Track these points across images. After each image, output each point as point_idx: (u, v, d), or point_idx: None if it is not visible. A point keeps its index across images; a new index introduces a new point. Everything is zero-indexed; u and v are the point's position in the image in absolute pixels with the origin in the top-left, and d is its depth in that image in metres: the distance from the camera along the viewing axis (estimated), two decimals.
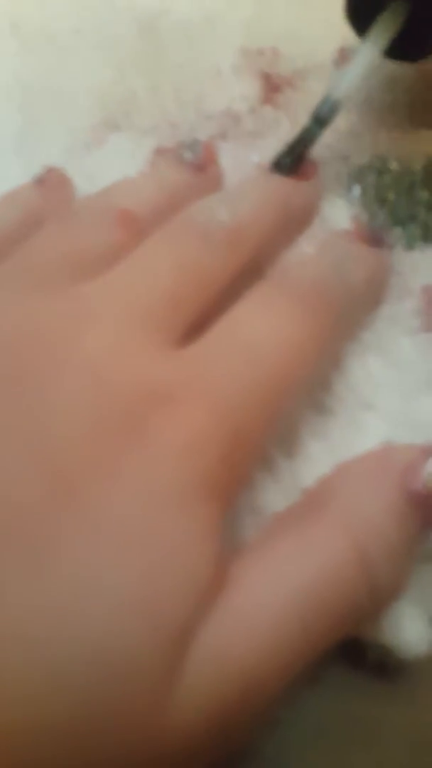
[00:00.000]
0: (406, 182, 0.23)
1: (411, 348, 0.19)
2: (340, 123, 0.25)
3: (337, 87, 0.22)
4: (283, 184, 0.21)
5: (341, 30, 0.29)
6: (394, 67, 0.27)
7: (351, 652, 0.16)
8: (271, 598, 0.13)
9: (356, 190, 0.23)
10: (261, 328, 0.16)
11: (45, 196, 0.20)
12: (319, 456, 0.17)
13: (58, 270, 0.17)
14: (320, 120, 0.22)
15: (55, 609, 0.12)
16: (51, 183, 0.21)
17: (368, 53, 0.22)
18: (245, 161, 0.23)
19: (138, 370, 0.15)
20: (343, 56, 0.28)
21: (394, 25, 0.22)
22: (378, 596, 0.15)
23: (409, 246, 0.22)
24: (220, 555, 0.14)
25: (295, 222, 0.21)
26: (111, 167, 0.22)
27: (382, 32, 0.22)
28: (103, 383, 0.14)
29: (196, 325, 0.16)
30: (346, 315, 0.18)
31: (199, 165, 0.21)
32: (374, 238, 0.20)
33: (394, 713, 0.16)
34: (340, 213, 0.22)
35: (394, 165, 0.23)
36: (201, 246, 0.18)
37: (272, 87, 0.26)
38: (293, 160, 0.21)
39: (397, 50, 0.23)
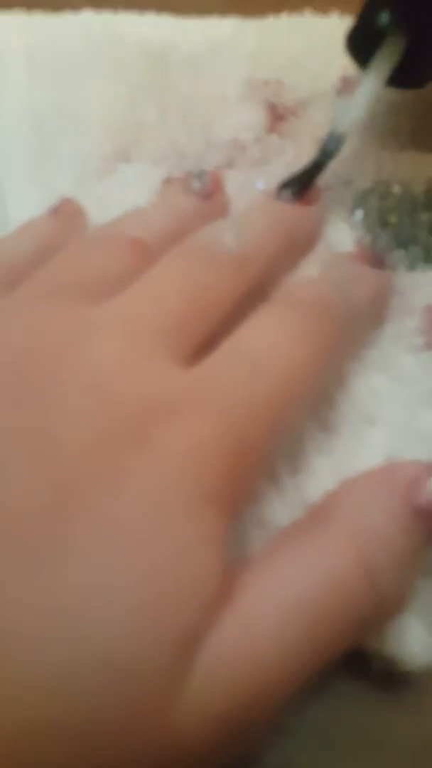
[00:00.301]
0: (408, 205, 0.23)
1: (413, 365, 0.20)
2: (344, 149, 0.25)
3: (341, 121, 0.22)
4: (287, 210, 0.21)
5: (342, 60, 0.29)
6: (395, 93, 0.28)
7: (355, 663, 0.16)
8: (277, 607, 0.14)
9: (359, 214, 0.23)
10: (264, 344, 0.17)
11: (59, 226, 0.21)
12: (324, 471, 0.18)
13: (71, 293, 0.17)
14: (327, 153, 0.22)
15: (62, 612, 0.12)
16: (65, 213, 0.22)
17: (370, 85, 0.23)
18: (251, 188, 0.24)
19: (144, 382, 0.15)
20: (346, 84, 0.28)
21: (393, 57, 0.23)
22: (382, 607, 0.15)
23: (411, 267, 0.22)
24: (226, 564, 0.14)
25: (299, 246, 0.21)
26: (122, 196, 0.23)
27: (383, 64, 0.23)
28: (109, 394, 0.15)
29: (203, 346, 0.17)
30: (349, 333, 0.19)
31: (206, 194, 0.22)
32: (376, 260, 0.21)
33: (398, 722, 0.16)
34: (343, 236, 0.23)
35: (395, 189, 0.24)
36: (208, 270, 0.18)
37: (277, 116, 0.27)
38: (300, 191, 0.22)
39: (398, 79, 0.24)
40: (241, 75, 0.28)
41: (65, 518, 0.13)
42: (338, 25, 0.32)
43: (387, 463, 0.17)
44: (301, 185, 0.22)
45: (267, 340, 0.17)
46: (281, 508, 0.17)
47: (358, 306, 0.19)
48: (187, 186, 0.22)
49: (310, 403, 0.18)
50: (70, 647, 0.12)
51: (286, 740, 0.15)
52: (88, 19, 0.31)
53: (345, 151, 0.25)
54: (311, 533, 0.15)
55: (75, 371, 0.15)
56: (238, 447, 0.15)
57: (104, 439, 0.14)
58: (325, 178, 0.24)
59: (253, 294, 0.19)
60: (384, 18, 0.22)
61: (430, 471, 0.16)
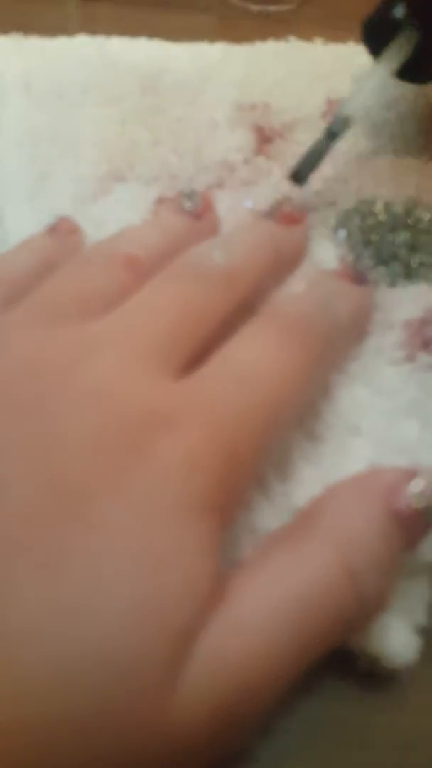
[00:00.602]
0: (389, 225, 0.24)
1: (395, 377, 0.20)
2: (327, 171, 0.26)
3: (349, 104, 0.23)
4: (274, 229, 0.22)
5: (326, 84, 0.31)
6: (377, 117, 0.29)
7: (342, 662, 0.16)
8: (267, 608, 0.14)
9: (342, 233, 0.24)
10: (253, 357, 0.17)
11: (57, 243, 0.22)
12: (311, 479, 0.18)
13: (68, 309, 0.18)
14: (332, 133, 0.23)
15: (65, 612, 0.13)
16: (62, 231, 0.22)
17: (380, 74, 0.23)
18: (240, 207, 0.25)
19: (140, 394, 0.16)
20: (331, 106, 0.30)
21: (405, 49, 0.23)
22: (365, 607, 0.15)
23: (392, 283, 0.23)
24: (218, 566, 0.14)
25: (285, 263, 0.22)
26: (117, 215, 0.24)
27: (394, 56, 0.23)
28: (107, 406, 0.15)
29: (195, 359, 0.17)
30: (333, 346, 0.19)
31: (197, 213, 0.22)
32: (359, 277, 0.21)
33: (384, 718, 0.16)
34: (327, 254, 0.23)
35: (377, 209, 0.24)
36: (199, 287, 0.19)
37: (264, 139, 0.28)
38: (307, 171, 0.23)
39: (407, 73, 0.24)
40: (229, 99, 0.29)
41: (67, 522, 0.13)
42: (322, 51, 0.33)
43: (368, 470, 0.17)
44: (308, 169, 0.23)
45: (255, 353, 0.18)
46: (271, 515, 0.18)
47: (342, 321, 0.20)
48: (179, 206, 0.23)
49: (297, 414, 0.19)
50: (71, 644, 0.12)
51: (277, 737, 0.16)
52: (82, 43, 0.32)
53: (329, 174, 0.26)
54: (298, 538, 0.16)
55: (74, 385, 0.16)
56: (230, 457, 0.15)
57: (103, 448, 0.14)
58: (309, 199, 0.25)
59: (242, 309, 0.19)
60: (400, 11, 0.23)
61: (409, 477, 0.16)
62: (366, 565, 0.15)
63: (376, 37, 0.24)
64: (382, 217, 0.24)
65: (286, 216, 0.23)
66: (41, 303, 0.19)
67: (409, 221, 0.24)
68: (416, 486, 0.16)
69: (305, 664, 0.15)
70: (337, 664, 0.16)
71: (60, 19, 0.38)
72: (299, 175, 0.23)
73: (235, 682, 0.13)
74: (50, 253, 0.21)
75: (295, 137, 0.28)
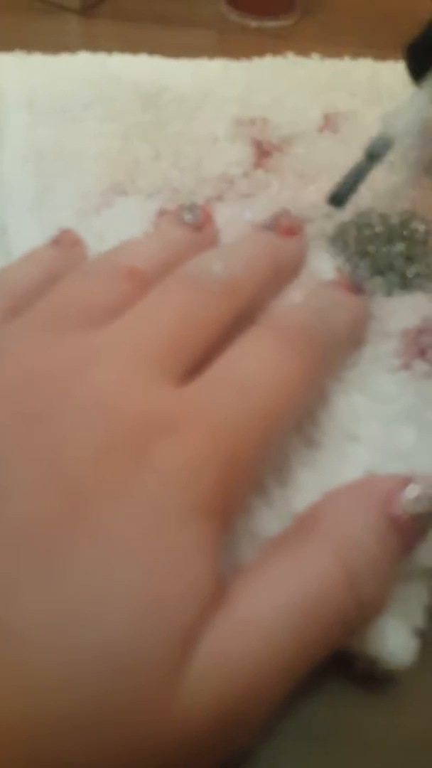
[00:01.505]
0: (385, 236, 0.24)
1: (391, 384, 0.21)
2: (324, 184, 0.27)
3: (391, 125, 0.23)
4: (272, 240, 0.22)
5: (323, 99, 0.31)
6: (372, 125, 0.29)
7: (341, 664, 0.17)
8: (267, 610, 0.14)
9: (339, 244, 0.25)
10: (252, 365, 0.18)
11: (60, 256, 0.22)
12: (309, 484, 0.18)
13: (71, 319, 0.18)
14: (374, 155, 0.23)
15: (68, 613, 0.13)
16: (65, 243, 0.23)
17: (422, 97, 0.23)
18: (239, 219, 0.25)
19: (141, 401, 0.16)
20: (330, 121, 0.30)
21: None
22: (364, 609, 0.16)
23: (389, 293, 0.23)
24: (219, 569, 0.15)
25: (284, 274, 0.22)
26: (119, 227, 0.24)
27: None
28: (110, 412, 0.15)
29: (195, 367, 0.18)
30: (330, 355, 0.20)
31: (197, 225, 0.23)
32: (355, 287, 0.22)
33: (383, 720, 0.17)
34: (325, 265, 0.24)
35: (373, 221, 0.25)
36: (199, 297, 0.19)
37: (263, 152, 0.28)
38: (347, 193, 0.22)
39: None
40: (228, 114, 0.30)
41: (71, 525, 0.14)
42: (319, 66, 0.34)
43: (366, 476, 0.18)
44: (347, 191, 0.22)
45: (254, 362, 0.18)
46: (270, 520, 0.18)
47: (339, 331, 0.20)
48: (180, 218, 0.23)
49: (295, 421, 0.19)
50: (74, 645, 0.13)
51: (278, 739, 0.16)
52: (84, 60, 0.33)
53: (326, 188, 0.27)
54: (297, 543, 0.16)
55: (77, 392, 0.16)
56: (230, 461, 0.16)
57: (106, 453, 0.15)
58: (308, 212, 0.26)
59: (242, 318, 0.20)
60: None
61: (405, 484, 0.16)
62: (364, 568, 0.15)
63: (419, 60, 0.24)
64: (378, 228, 0.25)
65: (285, 228, 0.23)
66: (44, 313, 0.19)
67: (405, 233, 0.25)
68: (412, 492, 0.16)
69: (306, 666, 0.15)
70: (336, 666, 0.16)
71: (62, 36, 0.39)
72: (339, 198, 0.23)
73: (236, 684, 0.14)
74: (53, 265, 0.21)
75: (293, 151, 0.28)
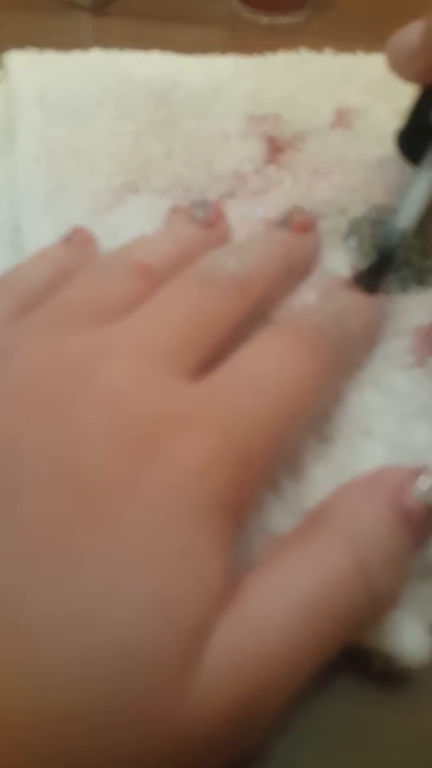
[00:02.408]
0: (404, 241, 0.24)
1: (405, 381, 0.21)
2: (337, 180, 0.27)
3: (401, 217, 0.23)
4: (285, 237, 0.22)
5: (336, 94, 0.31)
6: (384, 121, 0.29)
7: (355, 662, 0.16)
8: (280, 605, 0.14)
9: (353, 240, 0.24)
10: (267, 363, 0.18)
11: (72, 253, 0.22)
12: (323, 480, 0.18)
13: (84, 315, 0.18)
14: (390, 248, 0.22)
15: (80, 609, 0.13)
16: (78, 241, 0.23)
17: (425, 181, 0.23)
18: (252, 216, 0.25)
19: (154, 397, 0.16)
20: (343, 117, 0.30)
21: None
22: (377, 602, 0.15)
23: (404, 289, 0.23)
24: (231, 565, 0.15)
25: (296, 271, 0.22)
26: (131, 225, 0.24)
27: None
28: (121, 409, 0.15)
29: (207, 364, 0.18)
30: (345, 356, 0.20)
31: (209, 222, 0.23)
32: (370, 287, 0.21)
33: (398, 719, 0.16)
34: (339, 261, 0.24)
35: (387, 216, 0.25)
36: (212, 293, 0.19)
37: (276, 149, 0.28)
38: (368, 287, 0.21)
39: None
40: (240, 111, 0.30)
41: (83, 522, 0.14)
42: (332, 62, 0.34)
43: (377, 469, 0.18)
44: (369, 282, 0.22)
45: (269, 360, 0.18)
46: (284, 515, 0.18)
47: (354, 331, 0.20)
48: (192, 215, 0.23)
49: (308, 419, 0.19)
50: (86, 640, 0.13)
51: (291, 737, 0.16)
52: (96, 58, 0.33)
53: (338, 181, 0.27)
54: (309, 536, 0.16)
55: (90, 389, 0.16)
56: (243, 459, 0.16)
57: (118, 450, 0.15)
58: (320, 207, 0.26)
59: (255, 316, 0.20)
60: None
61: (416, 475, 0.16)
62: (376, 560, 0.15)
63: (414, 145, 0.24)
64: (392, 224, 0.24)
65: (298, 224, 0.23)
66: (57, 310, 0.19)
67: (420, 228, 0.24)
68: (424, 483, 0.16)
69: (319, 661, 0.15)
70: (350, 664, 0.16)
71: (74, 34, 0.39)
72: (367, 282, 0.22)
73: (249, 679, 0.14)
74: (65, 263, 0.21)
75: (306, 147, 0.28)
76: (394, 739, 0.16)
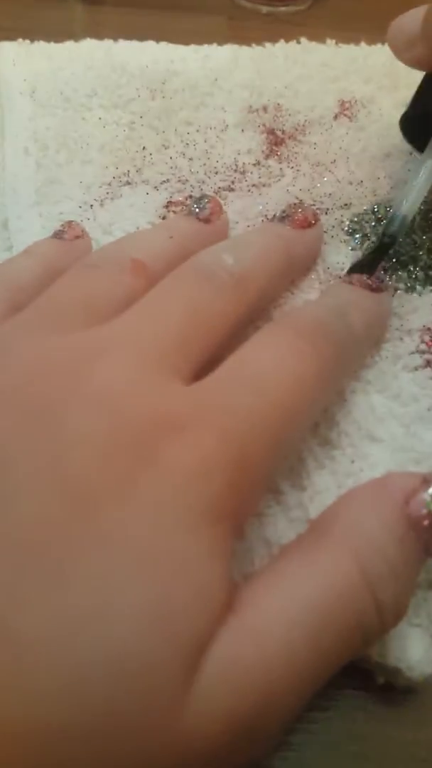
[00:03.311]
0: (406, 227, 0.23)
1: (412, 384, 0.20)
2: (341, 173, 0.26)
3: (404, 203, 0.22)
4: (285, 232, 0.22)
5: (338, 85, 0.30)
6: (390, 112, 0.29)
7: (360, 676, 0.16)
8: (281, 616, 0.14)
9: (358, 236, 0.24)
10: (266, 363, 0.17)
11: (64, 248, 0.21)
12: (326, 488, 0.18)
13: (75, 313, 0.18)
14: (391, 235, 0.22)
15: (75, 618, 0.12)
16: (69, 236, 0.22)
17: (429, 168, 0.22)
18: (251, 211, 0.24)
19: (149, 400, 0.15)
20: (346, 107, 0.29)
21: None
22: (383, 614, 0.15)
23: (411, 288, 0.22)
24: (231, 574, 0.14)
25: (297, 266, 0.21)
26: (124, 219, 0.23)
27: None
28: (116, 412, 0.15)
29: (205, 364, 0.17)
30: (348, 354, 0.19)
31: (206, 217, 0.22)
32: (375, 285, 0.21)
33: (402, 733, 0.16)
34: (342, 257, 0.23)
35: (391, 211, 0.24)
36: (209, 290, 0.18)
37: (276, 141, 0.27)
38: (368, 274, 0.21)
39: None
40: (239, 101, 0.29)
41: (77, 529, 0.13)
42: (333, 52, 0.33)
43: (383, 475, 0.17)
44: (368, 269, 0.21)
45: (268, 360, 0.17)
46: (286, 525, 0.17)
47: (357, 329, 0.19)
48: (189, 209, 0.22)
49: (310, 421, 0.18)
50: (82, 651, 0.12)
51: (295, 751, 0.16)
52: (89, 47, 0.32)
53: (342, 175, 0.26)
54: (313, 545, 0.15)
55: (82, 389, 0.15)
56: (241, 463, 0.15)
57: (112, 455, 0.14)
58: (323, 201, 0.25)
59: (254, 313, 0.19)
60: None
61: (424, 482, 0.16)
62: (382, 570, 0.15)
63: (418, 132, 0.24)
64: None
65: (299, 220, 0.22)
66: (48, 308, 0.18)
67: (426, 224, 0.23)
68: None
69: (323, 675, 0.14)
70: (355, 677, 0.16)
71: (66, 23, 0.38)
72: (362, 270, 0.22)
73: (249, 692, 0.13)
74: (56, 259, 0.21)
75: (307, 139, 0.27)
76: (398, 753, 0.16)
